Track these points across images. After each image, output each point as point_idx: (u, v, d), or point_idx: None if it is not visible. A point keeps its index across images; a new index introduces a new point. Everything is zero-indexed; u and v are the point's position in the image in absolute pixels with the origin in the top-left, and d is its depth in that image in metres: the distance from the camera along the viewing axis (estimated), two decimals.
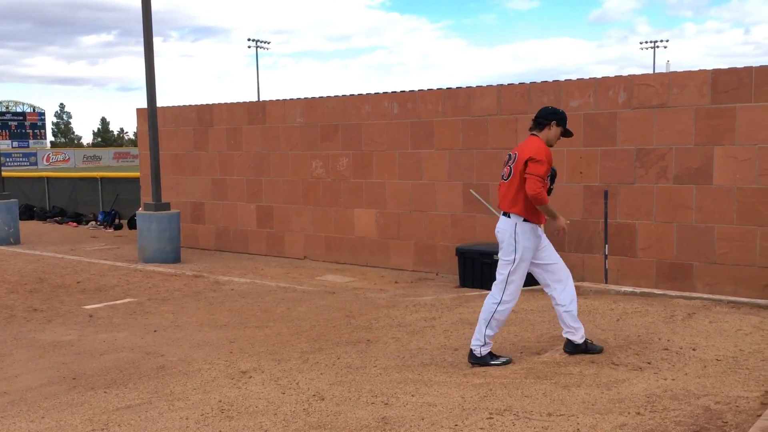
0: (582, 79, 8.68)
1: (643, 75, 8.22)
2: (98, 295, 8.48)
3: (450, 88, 9.75)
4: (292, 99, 11.28)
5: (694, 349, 5.18)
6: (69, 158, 64.93)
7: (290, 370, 5.20)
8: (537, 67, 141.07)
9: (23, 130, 79.04)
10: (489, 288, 8.69)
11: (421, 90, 9.99)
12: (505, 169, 5.12)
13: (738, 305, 6.33)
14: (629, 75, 8.30)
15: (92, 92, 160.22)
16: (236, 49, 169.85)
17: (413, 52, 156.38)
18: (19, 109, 75.60)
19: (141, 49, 10.97)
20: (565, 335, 5.24)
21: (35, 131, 79.14)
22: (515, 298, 5.16)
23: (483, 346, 5.07)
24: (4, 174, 22.41)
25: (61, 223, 17.26)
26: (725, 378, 4.47)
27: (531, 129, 5.28)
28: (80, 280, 9.46)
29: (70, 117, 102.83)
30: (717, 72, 7.74)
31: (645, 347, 5.27)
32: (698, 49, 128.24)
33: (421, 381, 4.72)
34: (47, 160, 63.39)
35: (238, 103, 11.94)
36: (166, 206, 11.19)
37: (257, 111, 11.64)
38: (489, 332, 5.07)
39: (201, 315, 7.30)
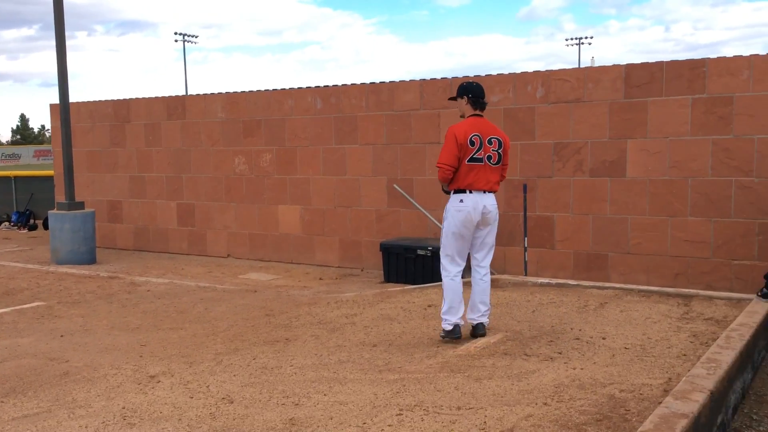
0: (502, 74, 8.78)
1: (560, 70, 8.37)
2: (5, 300, 8.06)
3: (373, 82, 9.71)
4: (213, 93, 11.02)
5: (604, 338, 5.28)
6: None
7: (202, 372, 5.03)
8: (468, 63, 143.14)
9: None
10: (414, 282, 8.76)
11: (345, 85, 9.91)
12: (493, 155, 5.21)
13: (648, 294, 6.51)
14: (547, 70, 8.44)
15: (13, 88, 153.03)
16: (165, 43, 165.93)
17: (346, 47, 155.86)
18: None
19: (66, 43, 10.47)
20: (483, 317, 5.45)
21: None
22: None
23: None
24: None
25: None
26: (631, 366, 4.57)
27: (482, 110, 5.32)
28: None
29: None
30: (630, 67, 7.94)
31: (557, 337, 5.34)
32: (621, 45, 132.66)
33: (336, 379, 4.65)
34: None
35: (156, 97, 11.58)
36: (80, 205, 10.76)
37: (177, 106, 11.31)
38: None
39: (113, 318, 7.02)
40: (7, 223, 15.96)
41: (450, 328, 5.39)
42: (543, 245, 8.62)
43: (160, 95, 11.58)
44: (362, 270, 9.87)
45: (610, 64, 8.05)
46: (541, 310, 6.21)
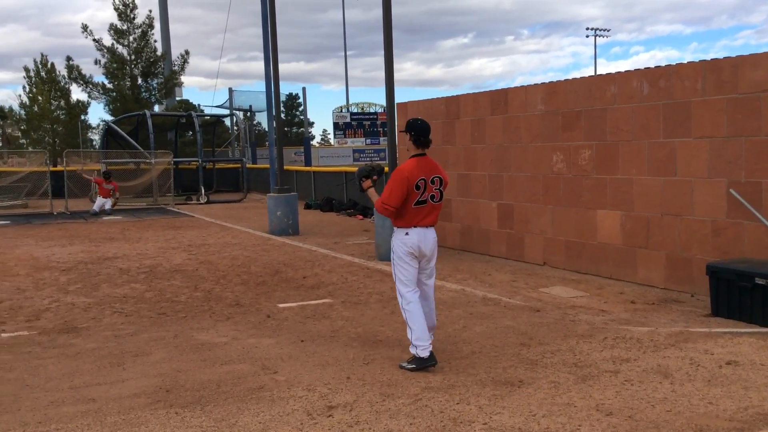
0: None
1: None
2: (307, 293, 8.44)
3: (715, 59, 7.57)
4: (534, 84, 10.02)
5: None
6: None
7: (377, 412, 4.30)
8: None
9: (374, 129, 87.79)
10: (747, 320, 6.57)
11: (679, 63, 7.97)
12: (435, 194, 5.34)
13: None
14: None
15: (449, 93, 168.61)
16: (587, 40, 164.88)
17: None
18: (371, 110, 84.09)
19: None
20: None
21: (385, 129, 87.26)
22: None
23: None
24: (304, 168, 24.66)
25: (351, 216, 18.25)
26: None
27: (426, 148, 5.35)
28: (307, 275, 9.61)
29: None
30: None
31: None
32: None
33: None
34: None
35: (482, 92, 11.05)
36: None
37: (500, 100, 10.61)
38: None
39: (370, 326, 6.70)
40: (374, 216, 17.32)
41: (426, 355, 5.22)
42: None
43: (486, 90, 11.02)
44: (692, 296, 7.83)
45: None
46: None
